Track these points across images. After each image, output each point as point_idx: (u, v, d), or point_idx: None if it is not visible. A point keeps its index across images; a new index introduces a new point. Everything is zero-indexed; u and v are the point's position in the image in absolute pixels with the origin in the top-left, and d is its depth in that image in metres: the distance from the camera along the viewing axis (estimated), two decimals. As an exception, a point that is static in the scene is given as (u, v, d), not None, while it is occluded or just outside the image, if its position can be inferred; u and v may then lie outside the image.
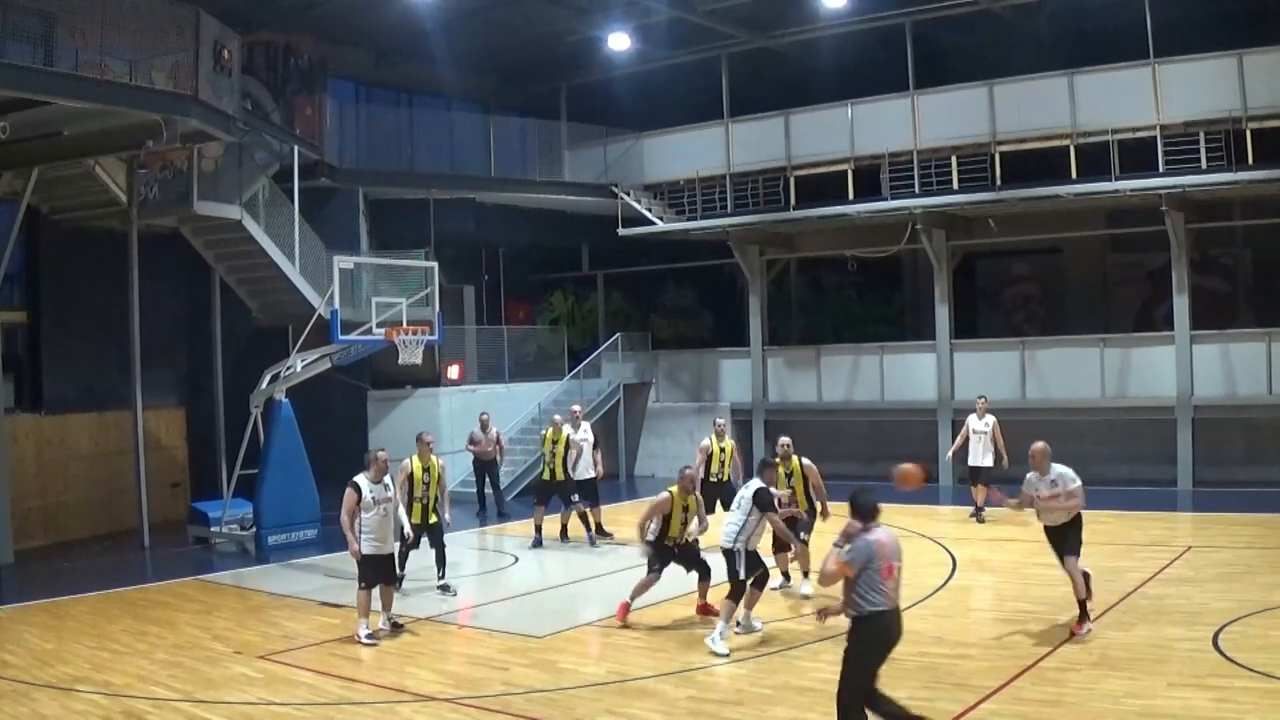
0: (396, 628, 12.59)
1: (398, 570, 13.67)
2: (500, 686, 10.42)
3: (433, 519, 14.28)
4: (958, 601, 13.18)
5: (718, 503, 15.52)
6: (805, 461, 13.89)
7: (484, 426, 21.55)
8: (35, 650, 12.09)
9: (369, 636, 12.14)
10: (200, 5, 16.47)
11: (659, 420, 28.02)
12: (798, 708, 9.44)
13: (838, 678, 8.09)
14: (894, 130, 23.38)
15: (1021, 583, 14.11)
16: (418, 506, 14.10)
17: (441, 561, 14.47)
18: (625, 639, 11.83)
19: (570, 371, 27.28)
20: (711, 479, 16.38)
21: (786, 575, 14.05)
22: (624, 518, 18.32)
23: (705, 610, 12.55)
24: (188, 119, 16.13)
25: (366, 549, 12.28)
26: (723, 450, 16.67)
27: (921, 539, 17.22)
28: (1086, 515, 11.56)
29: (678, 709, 9.59)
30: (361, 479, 12.39)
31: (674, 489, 12.42)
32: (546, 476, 18.07)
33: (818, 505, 13.81)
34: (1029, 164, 22.09)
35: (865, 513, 8.11)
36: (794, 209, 24.63)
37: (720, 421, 17.67)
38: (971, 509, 19.16)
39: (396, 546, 12.93)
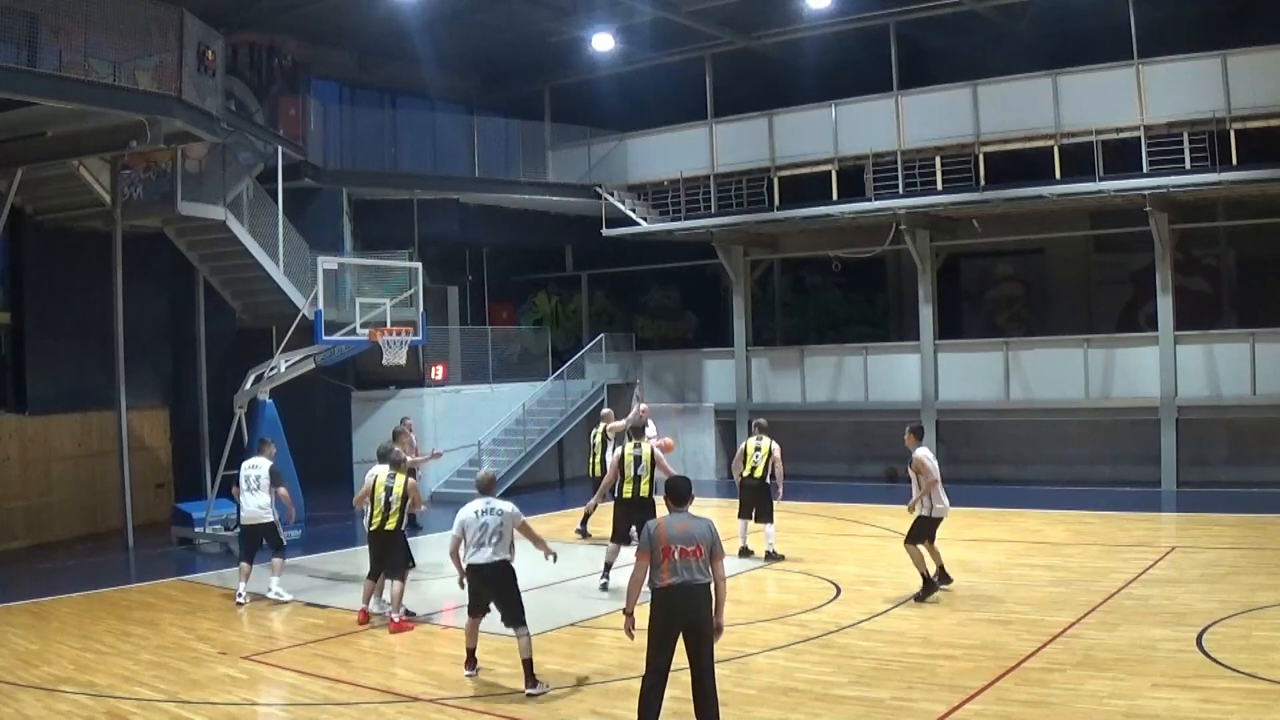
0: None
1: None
2: (484, 687, 10.41)
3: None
4: (942, 602, 13.19)
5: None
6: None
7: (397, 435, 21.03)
8: (19, 651, 12.03)
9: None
10: (184, 6, 16.44)
11: (642, 421, 28.00)
12: (781, 708, 9.44)
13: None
14: (878, 131, 23.39)
15: (1005, 583, 14.14)
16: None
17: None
18: (608, 639, 11.80)
19: (554, 372, 27.26)
20: None
21: None
22: (603, 518, 18.25)
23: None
24: (171, 120, 16.11)
25: None
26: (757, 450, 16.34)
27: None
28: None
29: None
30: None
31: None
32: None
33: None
34: (1013, 165, 22.14)
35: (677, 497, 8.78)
36: (778, 209, 24.65)
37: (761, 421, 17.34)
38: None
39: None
